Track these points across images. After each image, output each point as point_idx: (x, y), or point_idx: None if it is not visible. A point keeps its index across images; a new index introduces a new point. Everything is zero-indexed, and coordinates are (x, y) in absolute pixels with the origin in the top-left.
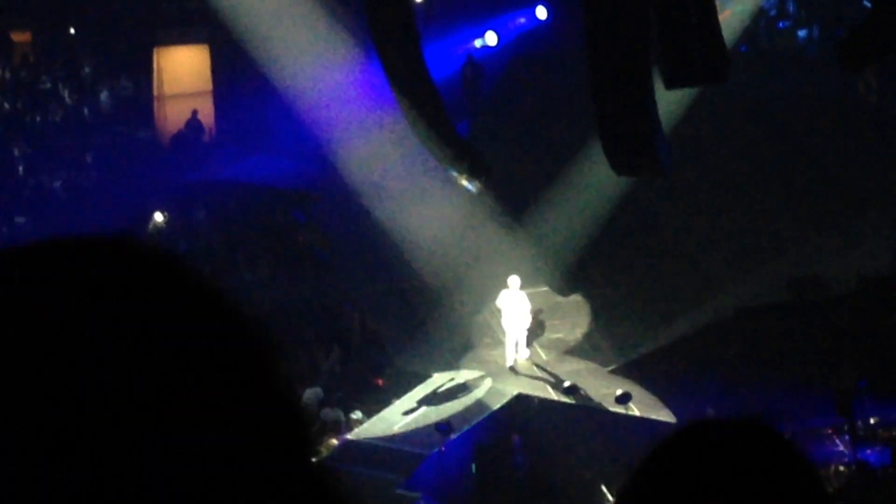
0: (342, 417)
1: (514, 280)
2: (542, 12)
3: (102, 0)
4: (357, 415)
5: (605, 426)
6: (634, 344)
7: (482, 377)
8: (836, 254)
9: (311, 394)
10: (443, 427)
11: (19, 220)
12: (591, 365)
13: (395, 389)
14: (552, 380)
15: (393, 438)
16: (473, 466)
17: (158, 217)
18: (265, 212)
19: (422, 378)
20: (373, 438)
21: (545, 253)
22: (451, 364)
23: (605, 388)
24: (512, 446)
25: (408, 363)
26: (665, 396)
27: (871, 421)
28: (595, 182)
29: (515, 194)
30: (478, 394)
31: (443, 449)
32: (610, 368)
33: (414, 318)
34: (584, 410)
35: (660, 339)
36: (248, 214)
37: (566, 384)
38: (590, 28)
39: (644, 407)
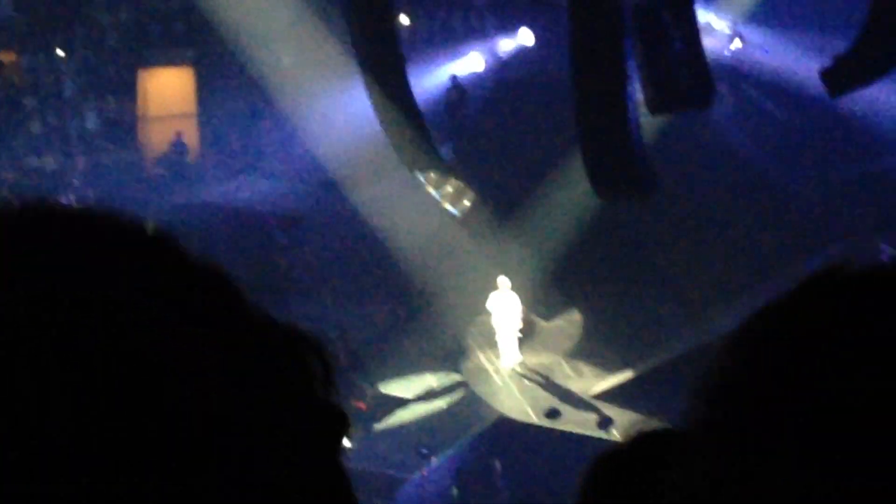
0: None
1: (503, 280)
2: (527, 37)
3: (88, 21)
4: (346, 440)
5: (587, 451)
6: (617, 368)
7: (462, 384)
8: None
9: None
10: (424, 451)
11: None
12: (574, 389)
13: (377, 413)
14: (534, 403)
15: (374, 461)
16: (455, 491)
17: None
18: (247, 234)
19: (404, 402)
20: (354, 461)
21: (527, 274)
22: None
23: (587, 413)
24: (493, 471)
25: (391, 387)
26: (648, 422)
27: None
28: (578, 205)
29: (499, 217)
30: (460, 406)
31: (424, 473)
32: (592, 393)
33: (398, 342)
34: (566, 435)
35: (643, 364)
36: (231, 237)
37: (548, 408)
38: (574, 53)
39: (627, 432)
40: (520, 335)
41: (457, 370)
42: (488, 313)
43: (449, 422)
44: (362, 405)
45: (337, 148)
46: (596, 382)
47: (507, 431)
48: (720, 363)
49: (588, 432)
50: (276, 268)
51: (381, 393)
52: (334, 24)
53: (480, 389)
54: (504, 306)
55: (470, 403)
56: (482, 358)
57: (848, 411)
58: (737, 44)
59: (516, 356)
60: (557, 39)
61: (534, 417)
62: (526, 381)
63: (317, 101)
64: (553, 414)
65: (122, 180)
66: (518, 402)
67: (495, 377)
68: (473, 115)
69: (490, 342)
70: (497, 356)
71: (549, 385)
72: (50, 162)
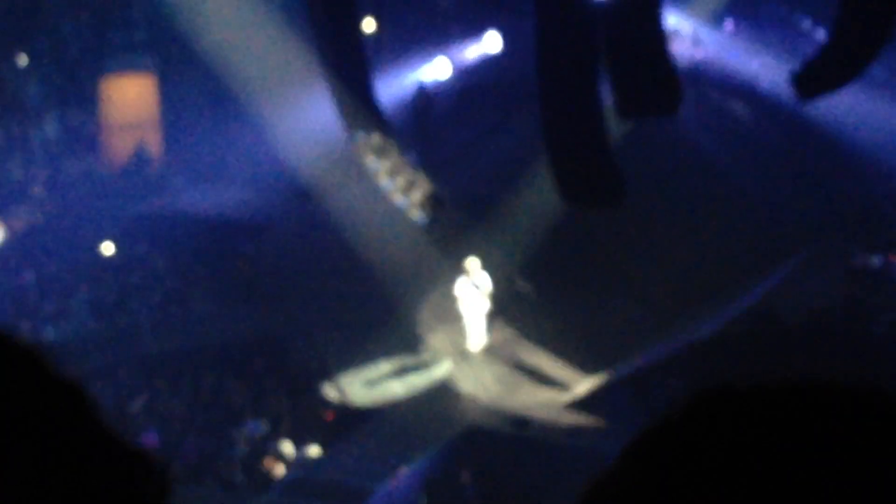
0: (293, 451)
1: (473, 262)
2: (494, 42)
3: (50, 28)
4: (314, 449)
5: (556, 460)
6: (585, 376)
7: (432, 366)
8: (787, 287)
9: (252, 427)
10: (392, 461)
11: None
12: (543, 396)
13: (344, 422)
14: (503, 411)
15: (342, 472)
16: (424, 501)
17: (107, 248)
18: (213, 243)
19: (374, 412)
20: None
21: (494, 279)
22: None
23: (556, 421)
24: (462, 481)
25: (359, 396)
26: (616, 430)
27: None
28: (546, 211)
29: (465, 222)
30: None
31: (392, 483)
32: (562, 400)
33: (367, 351)
34: (535, 445)
35: (611, 372)
36: (196, 246)
37: (517, 416)
38: (541, 59)
39: (596, 440)
40: (487, 316)
41: (420, 360)
42: (451, 297)
43: (418, 431)
44: (330, 414)
45: (302, 155)
46: (565, 390)
47: (477, 441)
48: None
49: (558, 440)
50: (242, 276)
51: (348, 401)
52: (299, 30)
53: (443, 372)
54: (474, 287)
55: (437, 406)
56: (444, 340)
57: None
58: (700, 49)
59: (483, 337)
60: (524, 45)
61: (503, 425)
62: (490, 361)
63: (282, 108)
64: (522, 422)
65: (85, 189)
66: (482, 382)
67: (459, 358)
68: (440, 121)
69: (453, 325)
70: (461, 338)
71: (518, 391)
72: (12, 171)
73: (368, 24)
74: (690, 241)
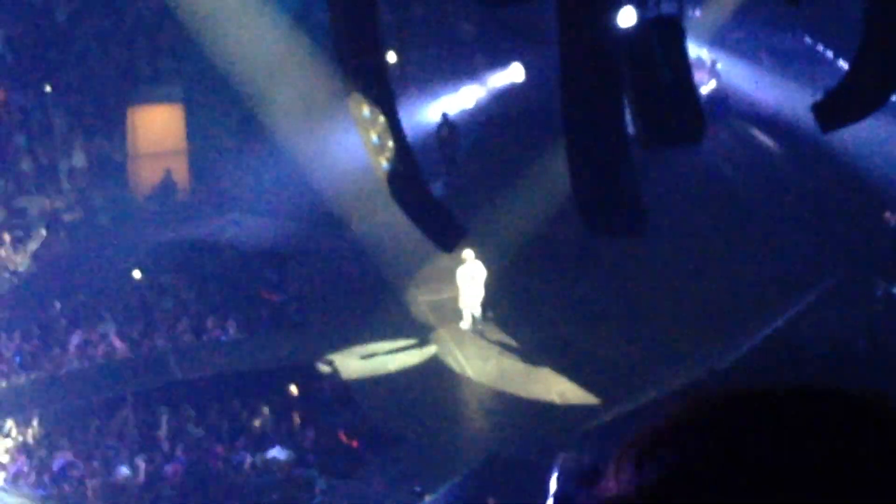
0: (317, 477)
1: (468, 253)
2: (518, 72)
3: (77, 58)
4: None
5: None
6: (606, 405)
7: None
8: (810, 316)
9: (278, 454)
10: (417, 489)
11: None
12: (564, 422)
13: (368, 450)
14: (497, 365)
15: (368, 501)
16: None
17: (133, 276)
18: (239, 271)
19: (398, 440)
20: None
21: (512, 303)
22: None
23: (581, 449)
24: None
25: (382, 422)
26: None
27: None
28: (567, 240)
29: (491, 252)
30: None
31: None
32: (583, 428)
33: (390, 377)
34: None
35: (631, 400)
36: (223, 274)
37: (543, 445)
38: (565, 89)
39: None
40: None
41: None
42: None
43: (443, 458)
44: (354, 443)
45: (327, 185)
46: (586, 418)
47: (501, 469)
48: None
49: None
50: (268, 305)
51: (373, 429)
52: (324, 60)
53: (434, 351)
54: (469, 275)
55: (431, 383)
56: (446, 336)
57: None
58: (722, 79)
59: (478, 323)
60: (548, 75)
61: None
62: (479, 338)
63: (307, 137)
64: (546, 451)
65: (112, 218)
66: (472, 361)
67: (452, 339)
68: (465, 150)
69: (444, 309)
70: (456, 320)
71: (541, 417)
72: (39, 201)
73: (392, 56)
74: (712, 270)
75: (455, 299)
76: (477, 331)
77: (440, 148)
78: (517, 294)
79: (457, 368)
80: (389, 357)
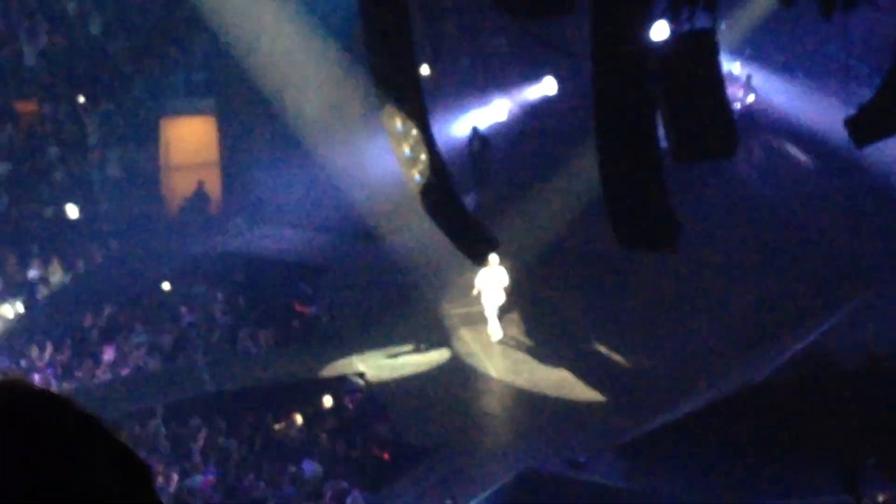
0: (346, 491)
1: (493, 257)
2: (550, 85)
3: (110, 70)
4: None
5: (611, 503)
6: (639, 419)
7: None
8: (844, 331)
9: (308, 467)
10: (448, 503)
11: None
12: (599, 437)
13: (399, 462)
14: (517, 367)
15: None
16: None
17: (165, 287)
18: (270, 284)
19: (429, 452)
20: None
21: (545, 318)
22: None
23: (614, 463)
24: None
25: (414, 435)
26: (671, 473)
27: (880, 499)
28: (602, 254)
29: (524, 266)
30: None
31: None
32: (618, 443)
33: (423, 389)
34: (590, 487)
35: (665, 415)
36: (253, 286)
37: (576, 459)
38: (598, 102)
39: (651, 483)
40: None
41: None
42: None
43: (473, 472)
44: (385, 455)
45: (360, 197)
46: (621, 433)
47: (532, 484)
48: None
49: (613, 483)
50: (300, 317)
51: (405, 442)
52: (357, 71)
53: (471, 360)
54: (491, 281)
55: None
56: (468, 337)
57: None
58: (755, 93)
59: (498, 332)
60: (581, 89)
61: (560, 468)
62: (511, 350)
63: (340, 149)
64: (581, 465)
65: (145, 230)
66: (493, 361)
67: (474, 342)
68: (497, 163)
69: (475, 321)
70: (482, 331)
71: (575, 431)
72: (72, 211)
73: (425, 68)
74: (745, 284)
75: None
76: (508, 343)
77: (472, 161)
78: (549, 306)
79: (488, 381)
80: (421, 369)
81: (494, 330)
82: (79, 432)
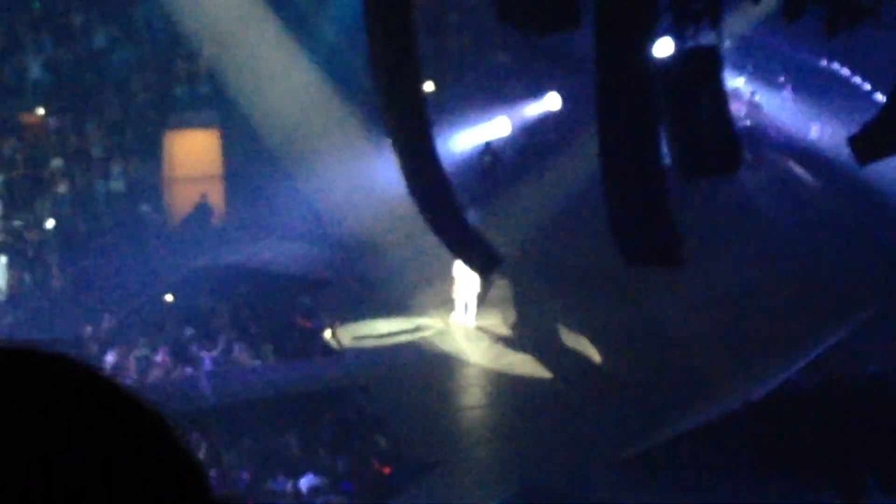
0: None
1: None
2: (554, 101)
3: (114, 82)
4: None
5: None
6: (640, 435)
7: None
8: (846, 348)
9: (309, 480)
10: None
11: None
12: (597, 452)
13: (401, 476)
14: (558, 466)
15: None
16: None
17: (167, 299)
18: (272, 297)
19: (431, 467)
20: None
21: (545, 340)
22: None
23: (614, 479)
24: None
25: (415, 449)
26: (673, 488)
27: None
28: (604, 269)
29: (525, 278)
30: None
31: None
32: (618, 458)
33: (424, 402)
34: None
35: (666, 431)
36: (255, 299)
37: (572, 476)
38: (601, 117)
39: (653, 498)
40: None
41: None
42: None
43: (476, 486)
44: (386, 469)
45: (363, 211)
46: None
47: (534, 499)
48: None
49: (615, 499)
50: (302, 331)
51: (406, 455)
52: (362, 85)
53: (483, 387)
54: (466, 271)
55: (493, 465)
56: (480, 363)
57: None
58: (759, 110)
59: (472, 318)
60: (585, 104)
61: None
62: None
63: (343, 164)
64: (586, 483)
65: (147, 241)
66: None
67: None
68: (503, 179)
69: (489, 345)
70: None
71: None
72: (76, 223)
73: (428, 84)
74: (746, 300)
75: (494, 325)
76: (514, 359)
77: (482, 175)
78: (550, 322)
79: (491, 396)
80: (423, 384)
81: (468, 317)
82: (142, 426)
